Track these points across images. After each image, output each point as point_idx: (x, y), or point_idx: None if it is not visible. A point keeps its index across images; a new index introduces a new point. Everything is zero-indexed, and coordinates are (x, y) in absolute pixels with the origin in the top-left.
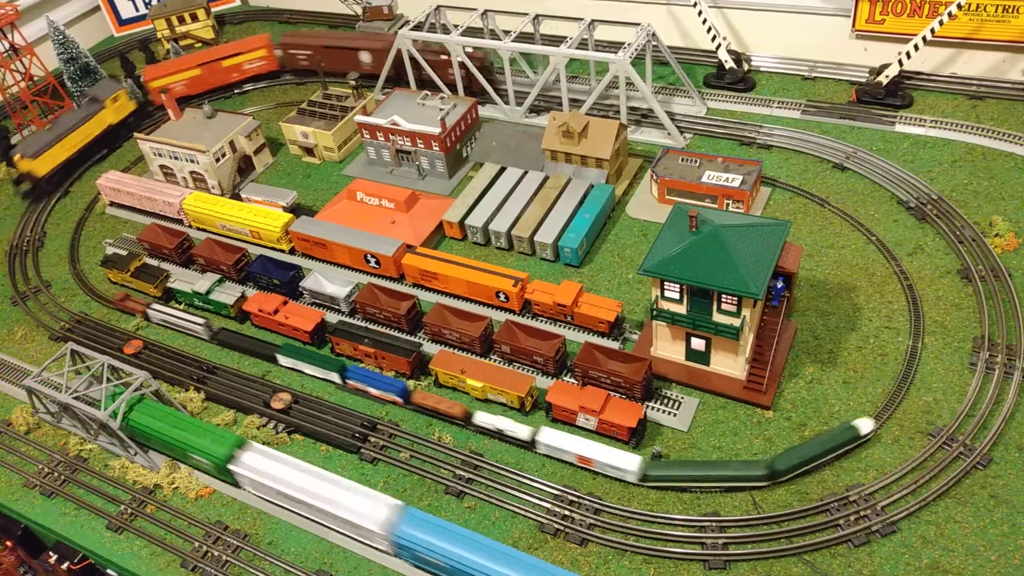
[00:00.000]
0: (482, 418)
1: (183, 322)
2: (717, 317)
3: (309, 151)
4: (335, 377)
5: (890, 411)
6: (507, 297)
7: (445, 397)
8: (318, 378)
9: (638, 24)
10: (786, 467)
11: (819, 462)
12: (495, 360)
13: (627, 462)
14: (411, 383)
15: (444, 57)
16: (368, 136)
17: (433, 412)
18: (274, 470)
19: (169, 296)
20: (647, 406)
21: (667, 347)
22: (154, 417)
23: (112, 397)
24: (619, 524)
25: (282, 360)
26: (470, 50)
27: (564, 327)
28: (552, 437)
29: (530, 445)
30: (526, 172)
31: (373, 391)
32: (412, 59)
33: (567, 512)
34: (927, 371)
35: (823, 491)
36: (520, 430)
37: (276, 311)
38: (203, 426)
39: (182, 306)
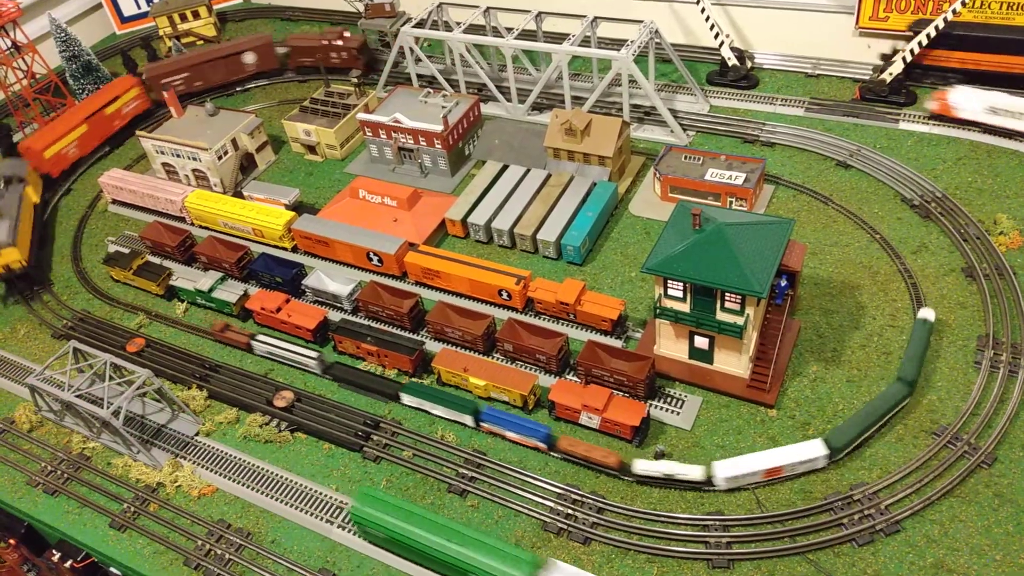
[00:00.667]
0: (644, 466)
1: (292, 355)
2: (720, 315)
3: (311, 149)
4: (467, 420)
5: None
6: (510, 295)
7: (596, 444)
8: (446, 419)
9: (641, 21)
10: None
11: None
12: (498, 358)
13: (814, 450)
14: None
15: (325, 42)
16: (370, 134)
17: (583, 461)
18: None
19: (172, 294)
20: (650, 404)
21: (670, 345)
22: (411, 522)
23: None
24: (622, 523)
25: (406, 399)
26: (348, 34)
27: (567, 325)
28: (732, 468)
29: (706, 484)
30: (529, 170)
31: (511, 435)
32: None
33: (570, 511)
34: (931, 369)
35: (827, 490)
36: (691, 471)
37: (279, 309)
38: (485, 540)
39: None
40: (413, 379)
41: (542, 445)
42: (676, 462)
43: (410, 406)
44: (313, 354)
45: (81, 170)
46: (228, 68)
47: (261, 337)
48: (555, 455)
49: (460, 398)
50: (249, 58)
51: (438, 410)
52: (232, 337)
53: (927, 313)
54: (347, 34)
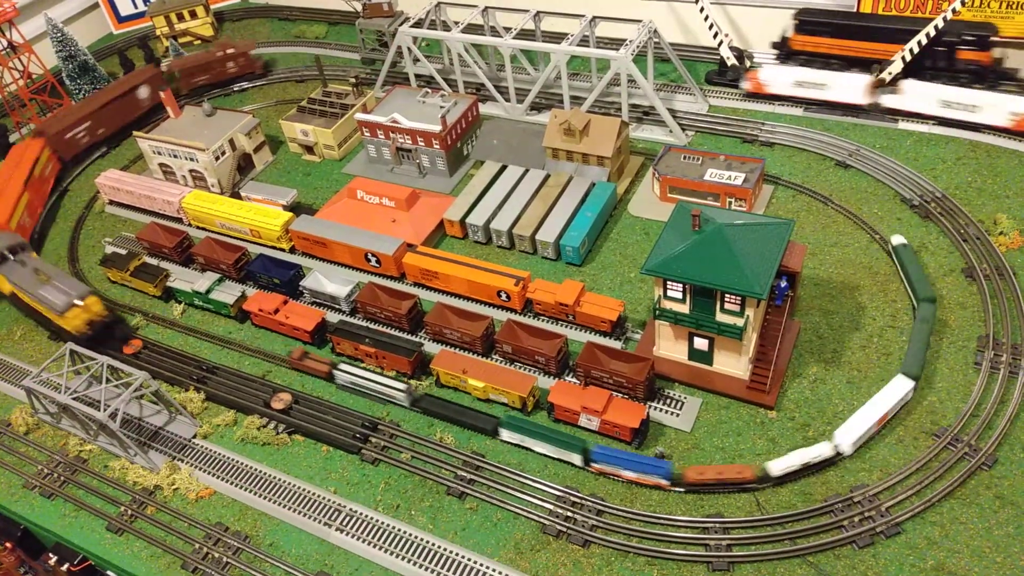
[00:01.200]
0: (780, 465)
1: (378, 386)
2: (720, 317)
3: (309, 149)
4: (576, 459)
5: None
6: (508, 296)
7: (723, 465)
8: (552, 458)
9: (640, 21)
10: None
11: None
12: (497, 360)
13: (903, 385)
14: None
15: (220, 54)
16: (368, 134)
17: (719, 484)
18: None
19: (169, 295)
20: (650, 406)
21: (670, 347)
22: None
23: None
24: (622, 525)
25: (505, 435)
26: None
27: (566, 327)
28: (850, 432)
29: (836, 456)
30: (527, 170)
31: (628, 475)
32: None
33: (569, 513)
34: (931, 370)
35: (827, 492)
36: (822, 450)
37: (276, 310)
38: None
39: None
40: (513, 413)
41: (664, 482)
42: (804, 448)
43: (509, 442)
44: (401, 386)
45: (78, 170)
46: (126, 108)
47: (344, 367)
48: (679, 490)
49: (567, 435)
50: (143, 92)
51: (541, 447)
52: (311, 366)
53: (898, 239)
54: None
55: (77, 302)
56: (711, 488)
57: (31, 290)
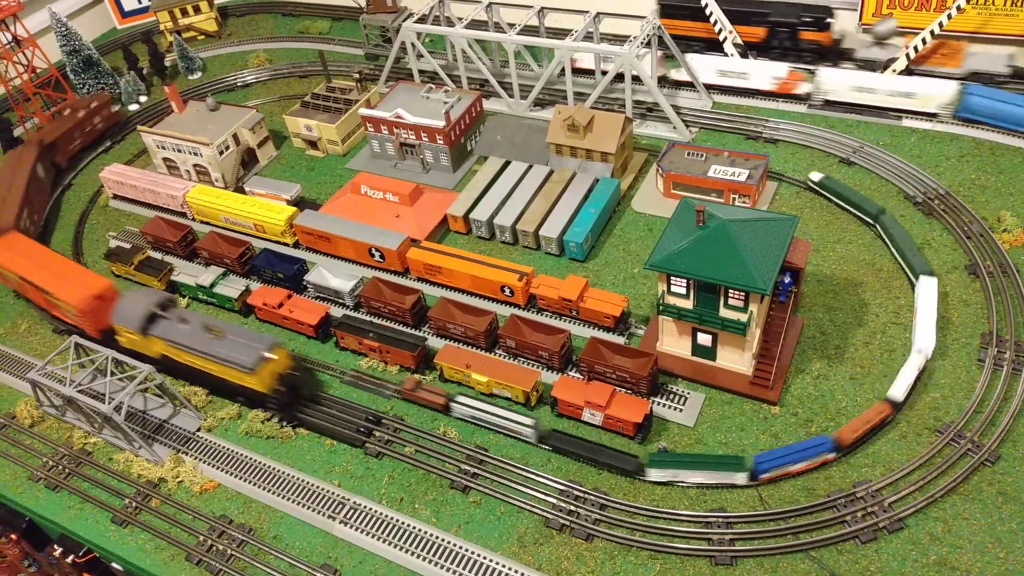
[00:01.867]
0: (900, 388)
1: (501, 420)
2: (724, 312)
3: (313, 144)
4: (740, 479)
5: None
6: (512, 291)
7: (864, 413)
8: (708, 486)
9: (644, 17)
10: None
11: None
12: (500, 355)
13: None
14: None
15: (83, 113)
16: (372, 129)
17: (870, 432)
18: None
19: (173, 290)
20: (653, 401)
21: (673, 342)
22: None
23: None
24: (625, 519)
25: (654, 474)
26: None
27: (569, 322)
28: (924, 332)
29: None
30: (531, 166)
31: (797, 467)
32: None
33: (573, 507)
34: (935, 367)
35: (830, 487)
36: (918, 359)
37: (280, 305)
38: None
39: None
40: (661, 448)
41: (831, 456)
42: (906, 364)
43: (658, 481)
44: (528, 420)
45: (83, 165)
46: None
47: (462, 399)
48: (838, 455)
49: (721, 457)
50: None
51: (697, 477)
52: (425, 397)
53: (816, 175)
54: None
55: (267, 355)
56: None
57: (205, 350)
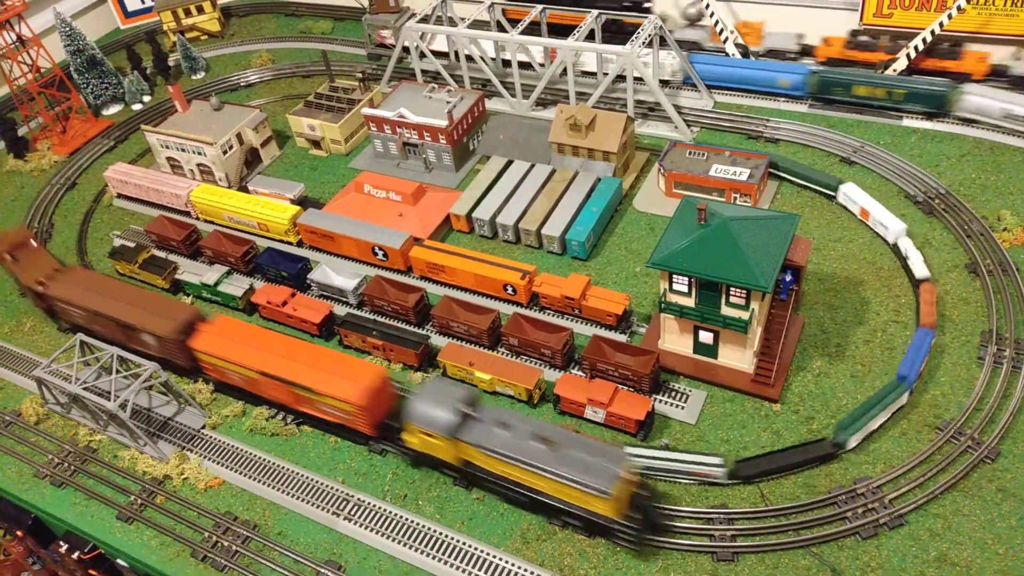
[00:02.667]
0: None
1: (683, 465)
2: (725, 310)
3: (316, 144)
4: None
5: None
6: (515, 290)
7: None
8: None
9: (646, 17)
10: None
11: None
12: (503, 353)
13: None
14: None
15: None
16: (375, 129)
17: None
18: None
19: (177, 288)
20: (655, 399)
21: (675, 340)
22: None
23: None
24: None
25: (852, 441)
26: None
27: (572, 320)
28: None
29: None
30: (533, 165)
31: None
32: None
33: None
34: (935, 365)
35: (831, 484)
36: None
37: (284, 303)
38: None
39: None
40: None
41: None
42: None
43: (851, 450)
44: (715, 460)
45: (87, 164)
46: None
47: (636, 451)
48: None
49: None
50: None
51: (877, 421)
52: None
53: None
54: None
55: (623, 474)
56: None
57: (541, 465)
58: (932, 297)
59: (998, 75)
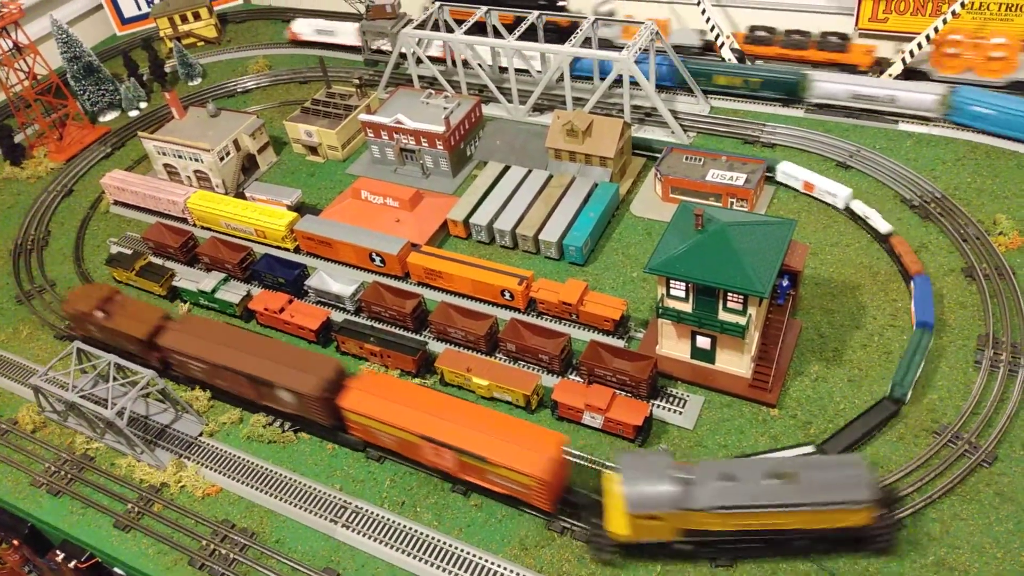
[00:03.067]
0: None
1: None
2: (723, 315)
3: (313, 150)
4: None
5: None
6: (512, 296)
7: None
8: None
9: (642, 23)
10: None
11: None
12: (501, 358)
13: None
14: None
15: None
16: (372, 135)
17: None
18: None
19: (174, 295)
20: (653, 404)
21: (672, 345)
22: None
23: None
24: None
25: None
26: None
27: (569, 325)
28: None
29: None
30: (530, 171)
31: None
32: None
33: (572, 509)
34: (932, 369)
35: None
36: None
37: (282, 310)
38: None
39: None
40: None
41: None
42: None
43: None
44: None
45: (83, 171)
46: None
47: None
48: None
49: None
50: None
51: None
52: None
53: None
54: None
55: (870, 476)
56: None
57: (788, 501)
58: (907, 246)
59: (881, 67)
